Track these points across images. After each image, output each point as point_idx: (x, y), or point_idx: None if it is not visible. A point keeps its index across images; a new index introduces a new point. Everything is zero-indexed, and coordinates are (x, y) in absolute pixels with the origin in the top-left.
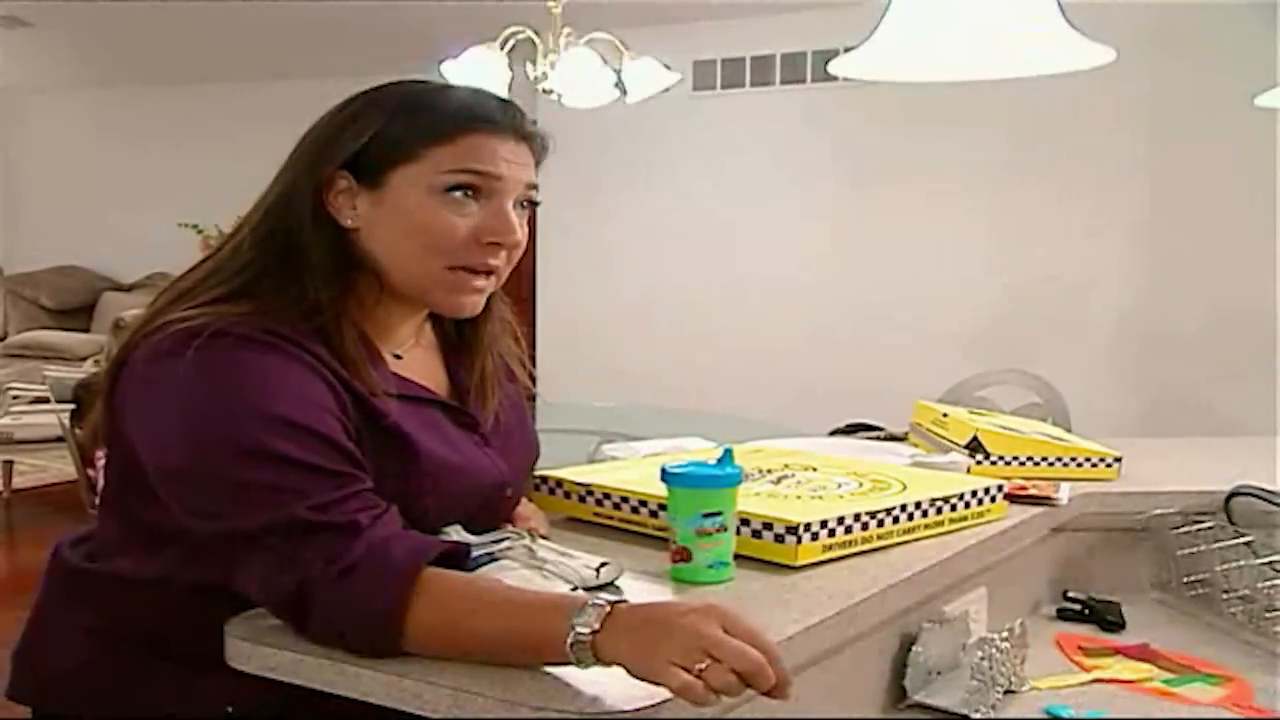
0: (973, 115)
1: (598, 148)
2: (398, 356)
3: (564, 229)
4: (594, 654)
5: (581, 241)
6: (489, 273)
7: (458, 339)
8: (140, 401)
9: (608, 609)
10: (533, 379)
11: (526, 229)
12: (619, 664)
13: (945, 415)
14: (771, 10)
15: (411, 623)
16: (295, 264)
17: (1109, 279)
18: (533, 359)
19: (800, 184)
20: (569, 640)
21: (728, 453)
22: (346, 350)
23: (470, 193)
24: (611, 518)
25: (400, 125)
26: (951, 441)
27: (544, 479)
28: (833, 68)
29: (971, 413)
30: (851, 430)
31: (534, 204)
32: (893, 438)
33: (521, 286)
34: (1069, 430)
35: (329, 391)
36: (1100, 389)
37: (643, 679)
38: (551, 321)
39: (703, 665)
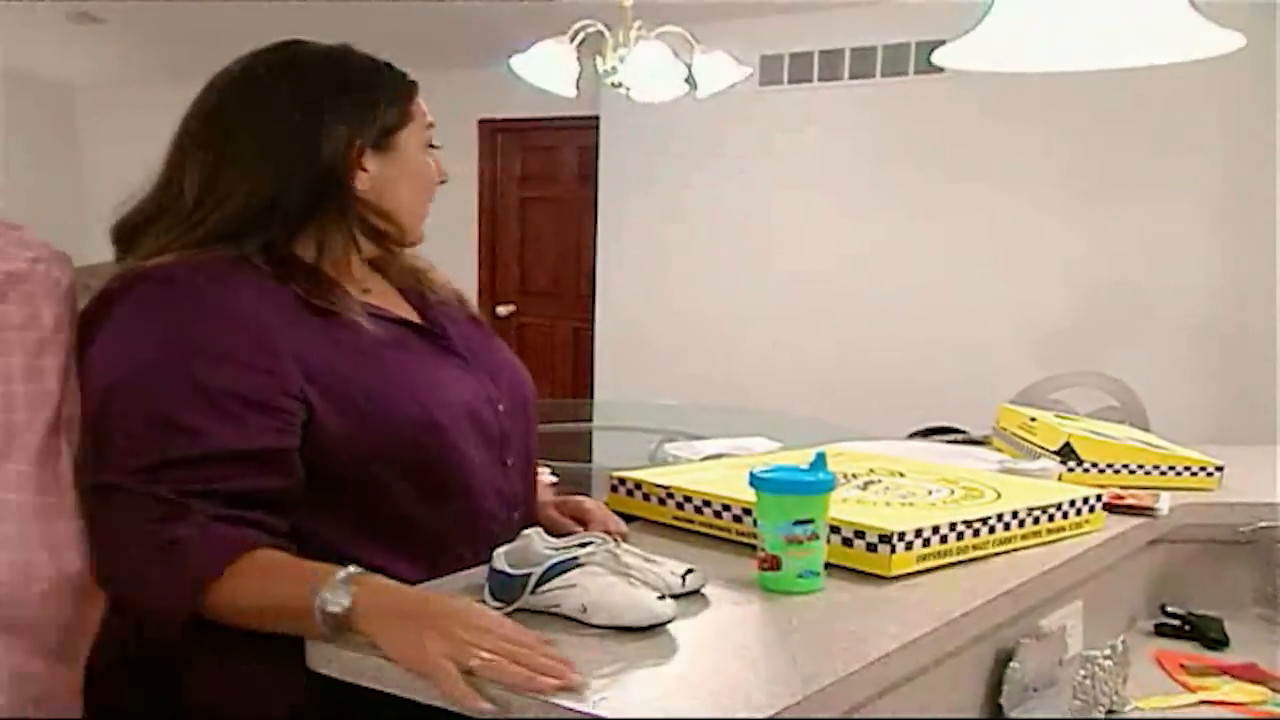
0: (1045, 111)
1: (660, 143)
2: (366, 291)
3: (625, 224)
4: (350, 629)
5: (643, 237)
6: None
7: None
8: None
9: (354, 585)
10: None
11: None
12: (379, 647)
13: (1033, 420)
14: (842, 4)
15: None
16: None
17: (1188, 278)
18: (591, 356)
19: (869, 180)
20: (316, 613)
21: (820, 457)
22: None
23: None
24: (693, 521)
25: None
26: (1040, 447)
27: (621, 480)
28: (937, 57)
29: (1059, 417)
30: (930, 433)
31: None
32: (972, 441)
33: (581, 283)
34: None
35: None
36: (1178, 392)
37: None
38: (611, 318)
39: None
